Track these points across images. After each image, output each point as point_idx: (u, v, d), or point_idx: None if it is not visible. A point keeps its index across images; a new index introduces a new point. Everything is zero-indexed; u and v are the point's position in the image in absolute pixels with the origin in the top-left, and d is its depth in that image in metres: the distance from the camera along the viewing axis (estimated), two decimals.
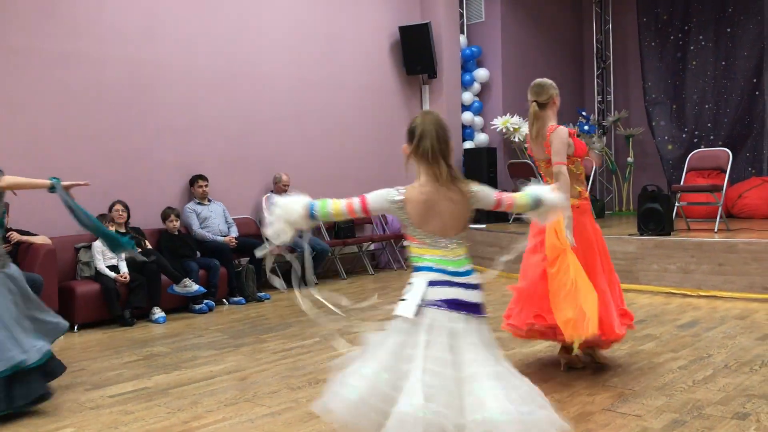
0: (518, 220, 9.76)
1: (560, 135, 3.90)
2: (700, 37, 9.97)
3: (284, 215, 2.47)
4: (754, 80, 9.53)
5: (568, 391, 3.70)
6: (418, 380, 2.18)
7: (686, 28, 10.08)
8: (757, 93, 9.52)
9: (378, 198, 2.44)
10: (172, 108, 7.18)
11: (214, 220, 7.20)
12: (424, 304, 2.33)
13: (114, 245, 4.08)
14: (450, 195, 2.40)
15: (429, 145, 2.42)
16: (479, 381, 2.21)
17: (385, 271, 8.94)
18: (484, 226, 9.11)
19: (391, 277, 8.42)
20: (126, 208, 6.42)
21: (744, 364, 4.08)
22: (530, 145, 4.13)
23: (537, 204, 2.57)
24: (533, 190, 2.59)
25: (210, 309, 6.45)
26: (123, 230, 6.35)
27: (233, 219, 7.44)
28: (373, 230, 9.26)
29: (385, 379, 2.28)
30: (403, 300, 2.40)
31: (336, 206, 2.47)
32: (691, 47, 10.04)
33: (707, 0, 9.86)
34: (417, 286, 2.37)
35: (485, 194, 2.48)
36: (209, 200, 7.29)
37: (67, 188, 3.81)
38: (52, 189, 3.78)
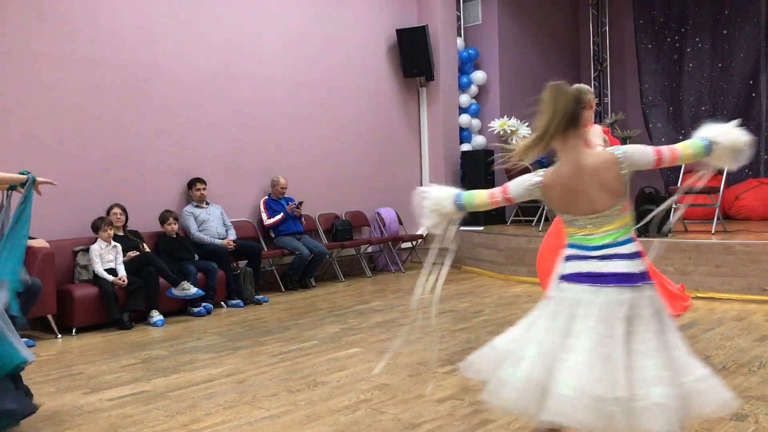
0: (517, 222, 9.77)
1: (595, 130, 4.21)
2: (697, 39, 9.99)
3: (436, 208, 2.63)
4: (751, 82, 9.55)
5: None
6: (573, 358, 2.18)
7: (683, 30, 10.10)
8: (753, 95, 9.55)
9: (517, 184, 2.46)
10: (170, 111, 7.18)
11: (212, 223, 7.19)
12: (562, 280, 2.35)
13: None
14: (593, 169, 2.29)
15: (555, 124, 2.30)
16: (633, 357, 2.17)
17: (383, 273, 8.94)
18: (481, 228, 9.12)
19: (389, 279, 8.42)
20: (124, 211, 6.42)
21: (742, 366, 4.08)
22: None
23: (710, 149, 2.36)
24: (704, 133, 2.40)
25: (208, 312, 6.44)
26: (121, 233, 6.36)
27: (231, 222, 7.44)
28: (371, 233, 9.26)
29: (542, 357, 2.25)
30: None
31: (480, 196, 2.57)
32: (688, 49, 10.07)
33: (704, 2, 9.88)
34: (558, 264, 2.41)
35: (640, 154, 2.32)
36: (207, 203, 7.29)
37: (37, 185, 3.56)
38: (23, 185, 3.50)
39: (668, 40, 10.20)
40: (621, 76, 11.09)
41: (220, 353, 4.87)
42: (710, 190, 7.66)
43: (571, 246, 2.38)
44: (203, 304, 6.45)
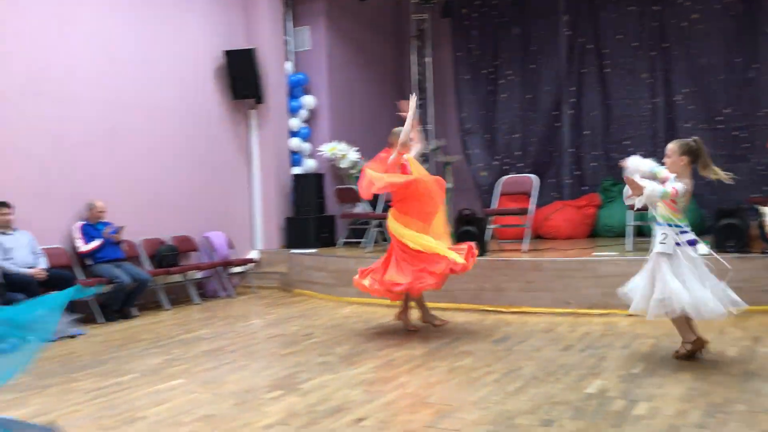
0: (348, 243, 9.92)
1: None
2: (509, 72, 10.80)
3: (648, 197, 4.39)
4: (555, 113, 10.47)
5: (392, 409, 3.80)
6: (680, 280, 4.35)
7: (496, 63, 10.87)
8: (557, 124, 10.46)
9: (683, 190, 4.42)
10: None
11: (20, 251, 6.62)
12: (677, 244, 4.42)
13: None
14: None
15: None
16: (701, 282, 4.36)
17: (213, 300, 8.66)
18: (313, 250, 9.16)
19: (219, 305, 8.18)
20: None
21: (549, 374, 4.42)
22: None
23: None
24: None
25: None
26: None
27: (42, 249, 6.88)
28: (199, 258, 8.96)
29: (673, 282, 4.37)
30: (663, 243, 4.43)
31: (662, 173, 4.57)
32: (501, 81, 10.84)
33: (514, 37, 10.70)
34: (671, 236, 4.42)
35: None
36: (14, 229, 6.69)
37: None
38: None
39: (483, 71, 10.92)
40: (442, 105, 11.66)
41: (25, 392, 4.45)
42: (521, 212, 8.28)
43: (678, 226, 4.44)
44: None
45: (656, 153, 9.64)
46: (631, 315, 6.13)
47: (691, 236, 4.46)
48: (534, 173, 9.11)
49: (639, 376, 4.30)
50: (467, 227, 7.43)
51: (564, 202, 9.97)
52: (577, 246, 8.25)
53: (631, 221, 7.73)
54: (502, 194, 8.98)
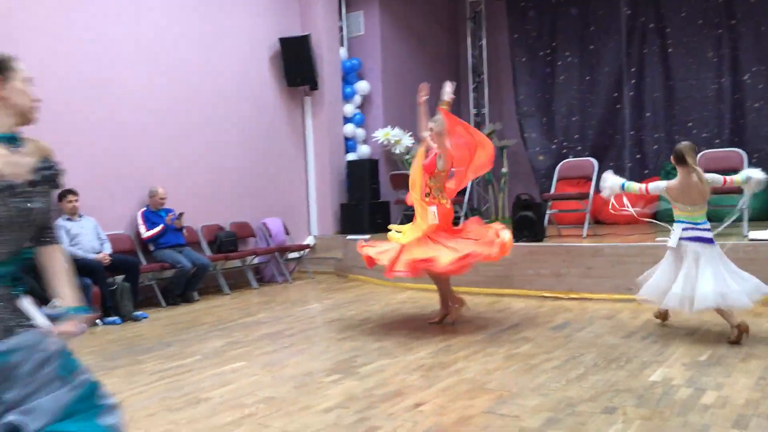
0: None
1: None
2: (567, 54, 10.56)
3: (610, 188, 5.05)
4: (615, 94, 10.20)
5: (449, 395, 3.79)
6: (682, 277, 4.68)
7: (554, 44, 10.64)
8: (617, 106, 10.19)
9: (655, 186, 4.92)
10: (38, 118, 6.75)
11: (86, 237, 6.84)
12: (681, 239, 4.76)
13: None
14: (696, 182, 4.70)
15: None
16: (708, 277, 4.59)
17: (269, 285, 8.80)
18: (368, 236, 9.18)
19: (276, 290, 8.31)
20: None
21: (611, 361, 4.33)
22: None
23: (746, 182, 4.89)
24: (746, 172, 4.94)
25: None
26: None
27: (106, 235, 7.10)
28: (256, 243, 9.10)
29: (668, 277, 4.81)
30: (669, 239, 4.82)
31: (633, 187, 4.99)
32: (559, 63, 10.61)
33: (572, 18, 10.45)
34: (676, 231, 4.77)
35: (713, 179, 4.77)
36: (80, 216, 6.91)
37: None
38: None
39: (541, 53, 10.71)
40: (498, 88, 11.51)
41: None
42: (580, 196, 8.11)
43: (681, 221, 4.79)
44: None
45: (721, 135, 9.43)
46: None
47: (698, 233, 4.72)
48: (593, 157, 8.91)
49: (705, 364, 4.17)
50: (525, 212, 7.34)
51: None
52: (638, 231, 8.04)
53: None
54: (561, 179, 8.79)
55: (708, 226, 4.77)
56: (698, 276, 4.62)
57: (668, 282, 4.77)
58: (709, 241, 4.73)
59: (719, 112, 9.44)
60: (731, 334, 4.64)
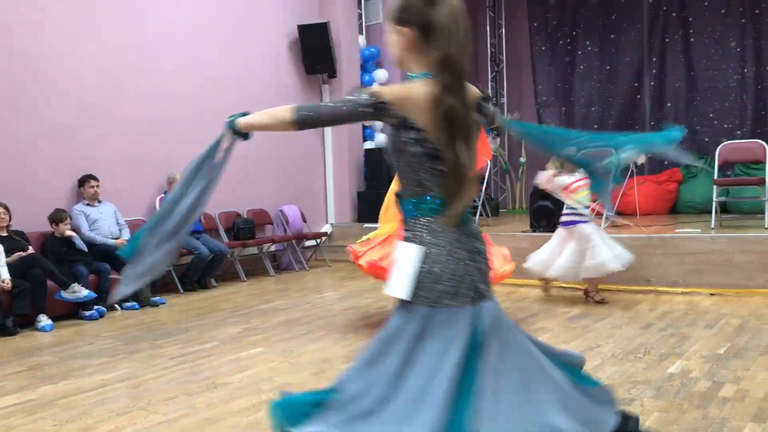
0: None
1: None
2: (587, 43, 10.47)
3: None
4: (636, 84, 10.10)
5: None
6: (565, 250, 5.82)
7: (574, 33, 10.55)
8: (638, 97, 10.10)
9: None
10: (61, 104, 6.81)
11: (105, 222, 6.89)
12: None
13: None
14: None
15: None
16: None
17: (287, 272, 8.84)
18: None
19: (293, 278, 8.34)
20: (7, 210, 6.03)
21: (629, 353, 4.31)
22: None
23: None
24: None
25: (101, 315, 6.16)
26: (5, 234, 5.98)
27: (125, 221, 7.15)
28: (274, 231, 9.14)
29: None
30: None
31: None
32: (579, 52, 10.52)
33: (593, 7, 10.35)
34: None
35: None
36: (99, 201, 6.97)
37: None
38: None
39: (561, 42, 10.63)
40: (517, 77, 11.44)
41: (114, 358, 4.67)
42: None
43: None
44: (96, 307, 6.16)
45: (743, 127, 9.31)
46: (713, 294, 5.95)
47: (574, 218, 5.83)
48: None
49: (724, 357, 4.14)
50: (543, 202, 7.30)
51: (645, 176, 9.64)
52: (658, 222, 7.98)
53: (716, 197, 7.40)
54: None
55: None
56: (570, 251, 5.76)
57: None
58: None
59: (741, 102, 9.33)
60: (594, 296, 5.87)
